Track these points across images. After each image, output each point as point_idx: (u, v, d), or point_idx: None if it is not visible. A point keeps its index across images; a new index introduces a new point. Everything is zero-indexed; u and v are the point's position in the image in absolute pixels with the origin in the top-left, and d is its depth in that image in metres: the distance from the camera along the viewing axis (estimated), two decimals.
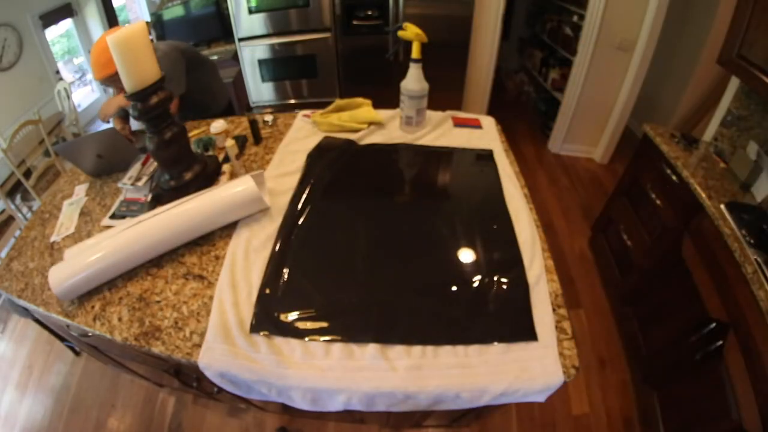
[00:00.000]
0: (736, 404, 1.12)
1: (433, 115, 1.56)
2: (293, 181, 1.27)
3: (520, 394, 0.79)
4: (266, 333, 0.87)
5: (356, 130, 1.46)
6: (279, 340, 0.87)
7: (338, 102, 1.52)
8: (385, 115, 1.53)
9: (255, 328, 0.88)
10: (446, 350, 0.83)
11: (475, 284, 0.94)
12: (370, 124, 1.47)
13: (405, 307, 0.91)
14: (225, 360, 0.84)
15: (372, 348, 0.83)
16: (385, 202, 1.20)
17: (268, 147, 1.47)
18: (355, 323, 0.88)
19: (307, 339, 0.86)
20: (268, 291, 0.96)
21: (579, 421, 1.68)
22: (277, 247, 1.05)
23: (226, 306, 0.93)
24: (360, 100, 1.52)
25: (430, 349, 0.83)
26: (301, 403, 0.84)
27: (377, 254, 1.03)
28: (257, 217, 1.15)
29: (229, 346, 0.86)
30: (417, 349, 0.83)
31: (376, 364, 0.81)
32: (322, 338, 0.85)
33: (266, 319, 0.90)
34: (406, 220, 1.13)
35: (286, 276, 0.98)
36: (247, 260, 1.03)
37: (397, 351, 0.84)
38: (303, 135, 1.49)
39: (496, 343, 0.83)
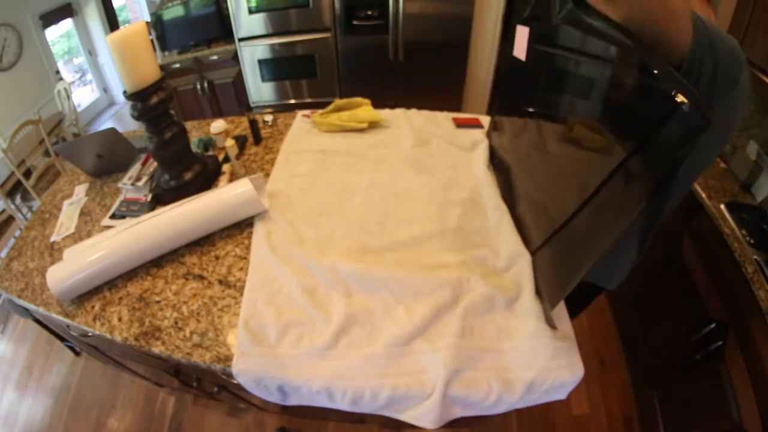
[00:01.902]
0: (736, 404, 1.12)
1: (433, 116, 1.55)
2: (304, 182, 1.26)
3: (549, 383, 0.80)
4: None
5: (357, 130, 1.46)
6: (320, 331, 0.87)
7: (338, 102, 1.52)
8: (387, 114, 1.53)
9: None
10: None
11: None
12: (371, 123, 1.48)
13: None
14: (262, 362, 0.83)
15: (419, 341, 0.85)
16: None
17: (269, 147, 1.47)
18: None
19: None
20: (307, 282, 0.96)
21: (579, 421, 1.67)
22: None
23: (259, 306, 0.93)
24: (359, 99, 1.52)
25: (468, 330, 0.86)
26: (341, 401, 0.82)
27: None
28: (273, 215, 1.15)
29: (266, 348, 0.85)
30: (455, 329, 0.85)
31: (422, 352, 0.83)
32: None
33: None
34: None
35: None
36: (276, 255, 1.02)
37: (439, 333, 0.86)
38: (304, 135, 1.49)
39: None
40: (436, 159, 1.33)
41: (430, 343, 0.84)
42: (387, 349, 0.83)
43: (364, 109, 1.50)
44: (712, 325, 1.24)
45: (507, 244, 1.01)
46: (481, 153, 1.31)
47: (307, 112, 1.59)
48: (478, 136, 1.42)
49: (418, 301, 0.90)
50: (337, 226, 1.10)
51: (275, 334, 0.87)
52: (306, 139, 1.47)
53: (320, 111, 1.54)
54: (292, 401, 0.87)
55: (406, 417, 0.82)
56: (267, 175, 1.33)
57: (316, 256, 1.01)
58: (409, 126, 1.47)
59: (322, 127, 1.49)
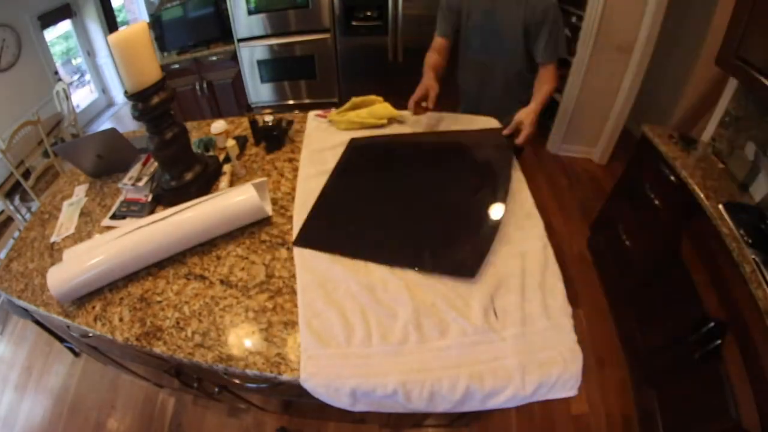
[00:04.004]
0: (735, 403, 1.12)
1: (433, 116, 1.56)
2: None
3: (553, 379, 0.80)
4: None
5: (376, 126, 1.47)
6: (388, 327, 0.87)
7: (354, 100, 1.52)
8: (402, 111, 1.54)
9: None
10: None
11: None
12: (389, 119, 1.48)
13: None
14: (334, 364, 0.82)
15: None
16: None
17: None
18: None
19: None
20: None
21: (578, 421, 1.68)
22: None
23: (318, 306, 0.92)
24: (373, 97, 1.53)
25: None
26: (417, 401, 0.80)
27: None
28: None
29: (336, 349, 0.84)
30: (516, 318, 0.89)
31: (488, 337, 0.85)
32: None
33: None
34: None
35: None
36: (327, 253, 1.03)
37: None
38: (322, 134, 1.49)
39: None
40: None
41: (497, 333, 0.86)
42: (458, 340, 0.84)
43: (382, 106, 1.51)
44: (711, 324, 1.25)
45: (536, 226, 1.09)
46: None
47: (320, 111, 1.59)
48: (494, 125, 1.45)
49: (473, 293, 0.93)
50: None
51: (343, 334, 0.86)
52: (325, 137, 1.47)
53: (335, 110, 1.54)
54: (361, 407, 0.83)
55: (490, 406, 0.82)
56: (268, 175, 1.33)
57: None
58: (425, 121, 1.50)
59: (340, 125, 1.49)
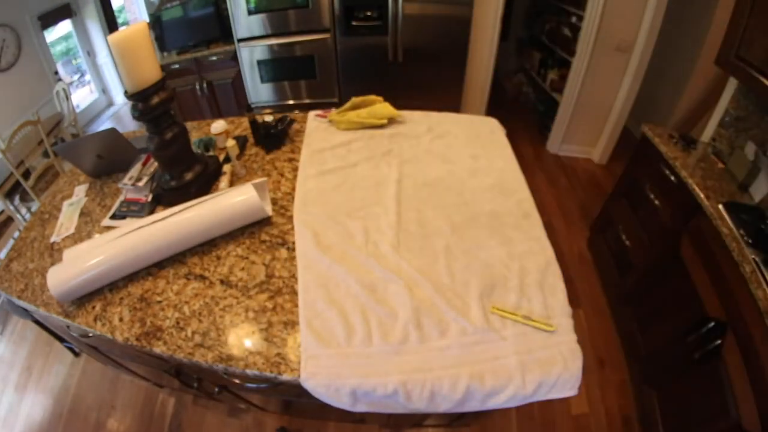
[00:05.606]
0: (735, 403, 1.12)
1: (446, 114, 1.56)
2: (336, 179, 1.28)
3: (553, 379, 0.80)
4: None
5: (376, 126, 1.47)
6: (389, 326, 0.87)
7: (354, 100, 1.53)
8: (402, 111, 1.54)
9: None
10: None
11: None
12: (389, 119, 1.48)
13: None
14: (334, 364, 0.82)
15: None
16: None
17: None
18: None
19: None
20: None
21: (578, 421, 1.68)
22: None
23: (319, 306, 0.92)
24: (373, 97, 1.53)
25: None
26: (418, 400, 0.80)
27: None
28: (314, 213, 1.16)
29: (336, 349, 0.84)
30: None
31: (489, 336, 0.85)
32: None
33: None
34: None
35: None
36: (328, 254, 1.03)
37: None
38: (322, 134, 1.49)
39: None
40: (456, 149, 1.38)
41: (497, 332, 0.86)
42: (459, 339, 0.84)
43: (382, 106, 1.51)
44: (711, 324, 1.25)
45: (535, 226, 1.09)
46: (501, 139, 1.34)
47: (320, 111, 1.59)
48: (494, 124, 1.44)
49: (472, 292, 0.93)
50: (380, 217, 1.12)
51: (344, 334, 0.86)
52: (326, 137, 1.47)
53: (335, 110, 1.54)
54: (361, 407, 0.83)
55: (491, 405, 0.82)
56: (268, 175, 1.33)
57: (372, 250, 1.03)
58: (426, 121, 1.50)
59: (341, 125, 1.50)
